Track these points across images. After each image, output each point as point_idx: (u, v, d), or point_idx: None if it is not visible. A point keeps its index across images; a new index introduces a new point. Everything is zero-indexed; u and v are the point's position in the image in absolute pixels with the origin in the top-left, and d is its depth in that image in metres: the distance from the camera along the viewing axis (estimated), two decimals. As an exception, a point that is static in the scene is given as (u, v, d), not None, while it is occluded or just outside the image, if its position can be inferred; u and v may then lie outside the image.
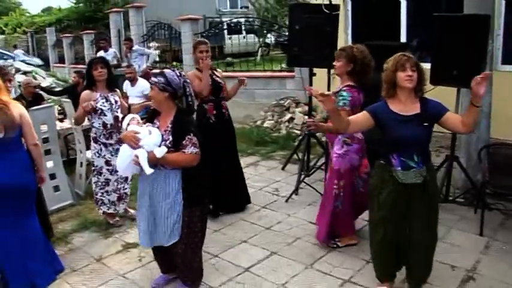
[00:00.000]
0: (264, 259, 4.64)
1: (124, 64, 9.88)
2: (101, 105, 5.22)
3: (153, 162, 3.66)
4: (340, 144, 4.53)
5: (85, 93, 5.26)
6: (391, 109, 3.54)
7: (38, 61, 22.27)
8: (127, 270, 4.55)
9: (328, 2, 5.90)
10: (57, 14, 31.01)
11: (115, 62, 11.83)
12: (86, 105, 5.04)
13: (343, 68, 4.47)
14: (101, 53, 12.01)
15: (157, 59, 13.42)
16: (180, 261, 3.98)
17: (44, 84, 14.45)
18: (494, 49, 6.31)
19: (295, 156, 7.18)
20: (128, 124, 3.87)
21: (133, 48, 11.38)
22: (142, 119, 4.03)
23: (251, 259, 4.63)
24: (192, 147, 3.70)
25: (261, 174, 7.18)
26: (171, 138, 3.72)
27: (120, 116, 5.30)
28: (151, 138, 3.71)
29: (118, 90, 5.54)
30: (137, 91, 8.22)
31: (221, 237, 5.07)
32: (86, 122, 5.72)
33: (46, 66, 22.54)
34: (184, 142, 3.69)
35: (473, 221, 5.19)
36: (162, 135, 3.75)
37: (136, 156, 3.65)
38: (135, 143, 3.67)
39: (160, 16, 14.95)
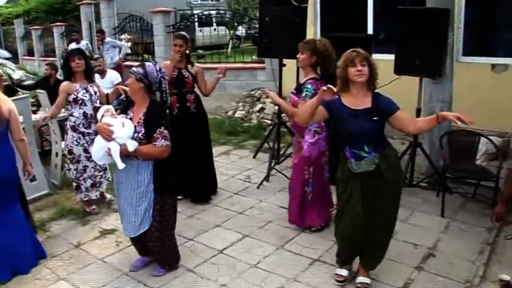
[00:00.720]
0: (237, 241, 4.85)
1: (96, 56, 9.90)
2: (82, 95, 5.35)
3: (126, 154, 3.82)
4: (311, 134, 4.76)
5: (64, 85, 5.39)
6: (344, 103, 3.67)
7: (6, 54, 21.92)
8: (105, 255, 4.70)
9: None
10: (25, 5, 30.40)
11: (87, 54, 11.79)
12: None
13: (306, 60, 4.69)
14: (73, 45, 11.94)
15: (128, 51, 13.41)
16: (155, 247, 4.16)
17: (14, 77, 14.32)
18: (455, 41, 6.61)
19: (266, 145, 7.39)
20: (102, 116, 4.01)
21: (106, 41, 11.39)
22: (116, 109, 4.19)
23: (225, 242, 4.83)
24: (163, 140, 3.86)
25: (233, 163, 7.38)
26: (143, 130, 3.87)
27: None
28: (124, 131, 3.85)
29: (96, 81, 5.67)
30: (107, 82, 8.29)
31: (195, 222, 5.26)
32: (61, 113, 5.83)
33: (15, 58, 22.17)
34: (155, 135, 3.84)
35: (436, 204, 5.50)
36: (135, 127, 3.89)
37: (109, 149, 3.81)
38: (108, 136, 3.82)
39: (131, 9, 14.90)
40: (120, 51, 11.57)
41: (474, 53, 7.75)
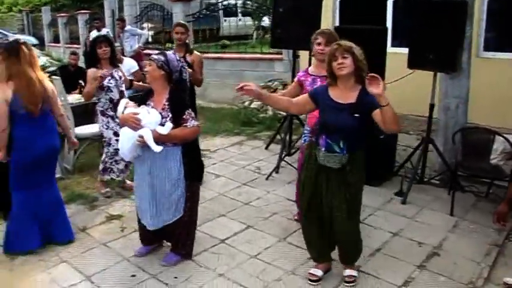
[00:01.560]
0: (240, 232, 4.84)
1: (116, 44, 9.95)
2: (107, 82, 5.48)
3: (158, 139, 3.80)
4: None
5: (91, 71, 5.52)
6: (329, 95, 3.60)
7: (33, 40, 22.20)
8: (109, 240, 4.75)
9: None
10: (52, -7, 30.89)
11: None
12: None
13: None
14: (95, 33, 12.04)
15: (150, 39, 13.45)
16: (183, 233, 4.21)
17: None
18: (475, 36, 6.46)
19: (278, 136, 7.34)
20: (125, 108, 4.00)
21: (126, 29, 11.42)
22: (132, 98, 4.20)
23: (228, 232, 4.83)
24: (193, 121, 3.91)
25: (245, 153, 7.36)
26: (170, 114, 3.88)
27: (124, 90, 5.62)
28: (152, 117, 3.85)
29: (121, 66, 5.83)
30: (124, 70, 8.31)
31: (201, 210, 5.15)
32: (75, 100, 5.91)
33: (41, 45, 22.52)
34: (184, 117, 3.88)
35: (446, 202, 5.36)
36: (161, 113, 3.89)
37: (141, 137, 3.79)
38: (136, 124, 3.81)
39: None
40: (139, 40, 11.61)
41: (496, 49, 7.57)
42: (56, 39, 22.62)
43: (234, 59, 11.01)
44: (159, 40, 15.38)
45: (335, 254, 4.07)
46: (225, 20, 19.53)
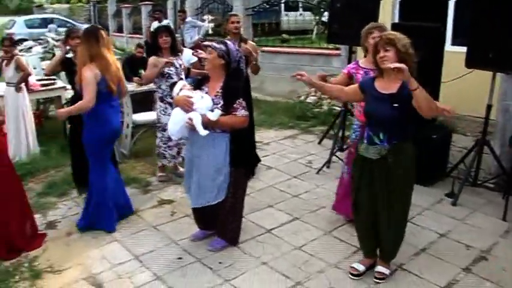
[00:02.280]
0: (286, 223, 4.92)
1: (177, 35, 10.17)
2: (167, 69, 5.71)
3: (207, 124, 3.95)
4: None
5: (153, 59, 5.77)
6: (374, 85, 3.63)
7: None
8: (159, 223, 4.95)
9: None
10: (118, -16, 31.78)
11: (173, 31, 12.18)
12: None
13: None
14: (155, 24, 12.37)
15: (210, 32, 13.66)
16: (226, 218, 4.35)
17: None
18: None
19: (333, 131, 7.33)
20: (180, 89, 4.17)
21: (186, 20, 11.67)
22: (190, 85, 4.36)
23: (274, 222, 4.92)
24: (243, 110, 4.03)
25: (298, 147, 7.42)
26: (222, 102, 4.02)
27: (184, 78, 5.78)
28: (204, 102, 4.00)
29: (181, 54, 6.02)
30: (184, 61, 8.51)
31: (250, 200, 5.32)
32: (132, 88, 6.13)
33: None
34: (235, 105, 4.01)
35: (499, 206, 5.19)
36: (213, 100, 4.03)
37: (190, 119, 3.95)
38: (189, 107, 3.98)
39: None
40: (199, 31, 11.83)
41: None
42: (119, 29, 23.33)
43: (292, 53, 11.04)
44: (219, 32, 15.57)
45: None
46: (286, 15, 19.56)
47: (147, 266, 4.18)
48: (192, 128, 3.99)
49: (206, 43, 4.34)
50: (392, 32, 3.60)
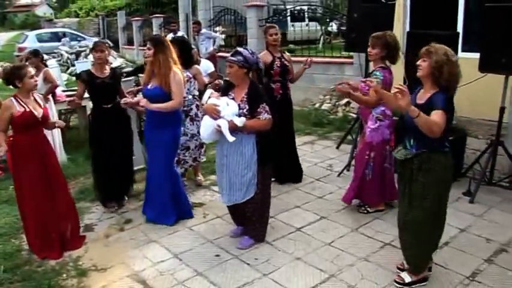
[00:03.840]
0: (314, 222, 5.19)
1: (192, 46, 10.46)
2: None
3: (234, 129, 4.26)
4: (373, 120, 5.08)
5: None
6: (417, 94, 3.79)
7: (109, 43, 23.31)
8: (193, 224, 5.23)
9: (385, -8, 6.31)
10: (127, -2, 32.29)
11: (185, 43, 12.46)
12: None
13: (378, 54, 4.99)
14: (171, 36, 12.68)
15: (222, 43, 13.97)
16: (254, 215, 4.64)
17: (115, 64, 15.39)
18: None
19: (349, 137, 7.61)
20: (209, 97, 4.48)
21: (201, 32, 11.95)
22: (216, 90, 4.65)
23: (303, 221, 5.19)
24: (266, 114, 4.34)
25: (317, 152, 7.71)
26: (247, 107, 4.34)
27: (186, 90, 5.90)
28: (230, 109, 4.32)
29: (196, 66, 6.19)
30: (201, 71, 8.78)
31: (278, 202, 5.60)
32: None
33: (116, 47, 23.62)
34: (259, 110, 4.33)
35: (516, 204, 5.46)
36: (239, 105, 4.36)
37: (219, 126, 4.26)
38: (216, 115, 4.29)
39: (227, 2, 15.47)
40: (214, 43, 12.13)
41: None
42: (129, 42, 23.69)
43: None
44: (229, 43, 15.89)
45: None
46: (292, 25, 19.86)
47: (187, 263, 4.45)
48: (220, 134, 4.30)
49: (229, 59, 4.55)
50: (436, 46, 3.64)
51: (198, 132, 5.79)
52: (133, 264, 4.48)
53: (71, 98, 5.51)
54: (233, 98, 4.44)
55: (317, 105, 9.96)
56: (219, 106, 4.31)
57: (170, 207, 5.22)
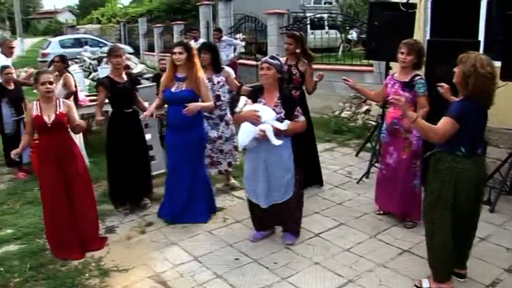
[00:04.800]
0: (333, 228, 5.23)
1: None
2: None
3: (276, 134, 4.37)
4: None
5: None
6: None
7: (130, 49, 23.62)
8: (213, 228, 5.30)
9: (405, 1, 6.33)
10: (148, 5, 32.70)
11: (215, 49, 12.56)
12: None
13: (413, 61, 4.96)
14: (192, 42, 12.80)
15: (243, 50, 14.06)
16: (292, 214, 4.81)
17: (136, 70, 15.60)
18: None
19: (369, 145, 7.63)
20: (244, 105, 4.55)
21: (222, 39, 12.05)
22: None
23: (322, 227, 5.23)
24: (302, 116, 4.53)
25: (336, 159, 7.75)
26: (283, 111, 4.47)
27: (222, 94, 6.08)
28: (270, 114, 4.42)
29: (227, 69, 6.26)
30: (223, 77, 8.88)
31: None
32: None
33: (136, 54, 23.91)
34: (295, 113, 4.50)
35: (537, 213, 5.42)
36: (274, 110, 4.46)
37: (262, 131, 4.35)
38: (258, 120, 4.38)
39: (247, 10, 15.58)
40: (235, 50, 12.23)
41: None
42: (150, 48, 23.96)
43: (325, 70, 11.22)
44: (250, 51, 15.99)
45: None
46: (312, 33, 19.93)
47: (207, 266, 4.51)
48: (263, 138, 4.37)
49: (264, 59, 4.67)
50: (469, 55, 3.72)
51: (232, 135, 6.06)
52: (154, 265, 4.56)
53: (100, 118, 5.61)
54: (264, 104, 4.53)
55: (337, 112, 10.01)
56: (259, 112, 4.40)
57: (204, 206, 5.46)
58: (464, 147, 3.73)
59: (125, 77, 5.66)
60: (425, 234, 4.04)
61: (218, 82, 6.05)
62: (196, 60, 5.26)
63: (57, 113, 4.61)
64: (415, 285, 4.07)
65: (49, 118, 4.57)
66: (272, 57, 4.59)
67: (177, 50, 5.21)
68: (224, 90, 6.12)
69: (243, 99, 4.61)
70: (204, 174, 5.51)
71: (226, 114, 6.13)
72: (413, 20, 6.61)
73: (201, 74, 5.27)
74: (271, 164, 4.54)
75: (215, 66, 6.09)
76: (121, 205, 5.85)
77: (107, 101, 5.71)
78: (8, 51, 7.82)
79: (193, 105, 5.07)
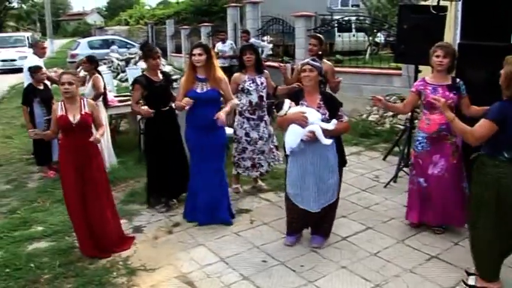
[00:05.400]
0: (360, 232, 5.19)
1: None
2: (248, 85, 6.03)
3: (325, 134, 4.39)
4: None
5: (236, 75, 6.16)
6: None
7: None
8: (240, 230, 5.31)
9: (436, 3, 6.27)
10: (175, 7, 32.99)
11: (232, 53, 12.67)
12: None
13: (449, 64, 4.89)
14: (219, 44, 12.91)
15: (270, 52, 14.08)
16: (331, 216, 4.87)
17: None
18: None
19: (396, 148, 7.56)
20: (289, 107, 4.55)
21: (250, 41, 12.06)
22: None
23: (349, 231, 5.19)
24: (345, 117, 4.60)
25: (363, 162, 7.70)
26: (327, 112, 4.49)
27: (265, 95, 6.14)
28: (316, 115, 4.44)
29: (267, 72, 6.27)
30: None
31: (323, 211, 5.64)
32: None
33: (164, 55, 24.08)
34: (339, 113, 4.54)
35: None
36: (318, 111, 4.49)
37: (311, 132, 4.38)
38: (306, 122, 4.40)
39: (274, 12, 15.57)
40: (262, 52, 12.24)
41: None
42: (177, 50, 24.15)
43: (352, 73, 11.27)
44: (277, 53, 16.00)
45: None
46: (339, 36, 19.87)
47: (234, 267, 4.52)
48: (312, 140, 4.39)
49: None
50: None
51: (269, 135, 6.15)
52: (181, 266, 4.59)
53: (146, 110, 5.52)
54: (307, 106, 4.55)
55: (364, 116, 9.94)
56: (306, 113, 4.42)
57: (228, 206, 5.52)
58: (507, 152, 3.69)
59: (160, 75, 5.76)
60: (468, 237, 4.08)
61: (261, 83, 6.12)
62: (215, 61, 5.31)
63: (82, 113, 4.66)
64: (462, 280, 4.09)
65: (74, 118, 4.61)
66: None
67: (196, 51, 5.22)
68: (266, 91, 6.20)
69: (287, 102, 4.59)
70: (225, 175, 5.54)
71: (265, 114, 6.21)
72: (444, 22, 6.53)
73: (220, 73, 5.32)
74: (318, 166, 4.54)
75: (257, 67, 6.14)
76: (158, 203, 5.93)
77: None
78: (41, 52, 8.00)
79: (222, 115, 5.13)
